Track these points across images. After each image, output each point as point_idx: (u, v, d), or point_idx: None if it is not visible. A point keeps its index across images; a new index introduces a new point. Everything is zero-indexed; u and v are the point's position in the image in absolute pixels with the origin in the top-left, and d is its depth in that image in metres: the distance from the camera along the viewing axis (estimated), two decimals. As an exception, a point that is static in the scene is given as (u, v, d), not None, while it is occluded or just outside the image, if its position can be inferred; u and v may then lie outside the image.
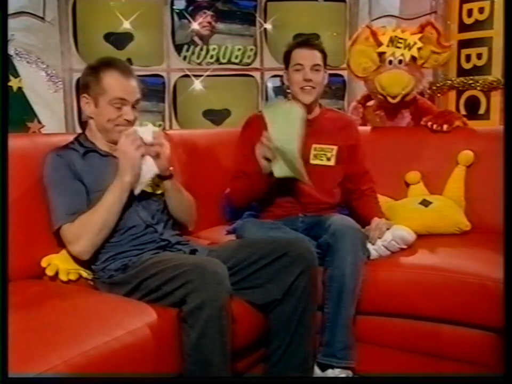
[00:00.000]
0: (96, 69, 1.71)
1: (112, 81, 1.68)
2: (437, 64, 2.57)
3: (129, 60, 3.30)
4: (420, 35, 2.46)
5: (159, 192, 1.78)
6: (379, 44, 2.51)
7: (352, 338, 1.80)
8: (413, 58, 2.48)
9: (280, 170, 1.90)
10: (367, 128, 2.65)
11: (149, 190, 1.75)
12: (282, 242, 1.74)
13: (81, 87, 1.76)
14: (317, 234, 1.92)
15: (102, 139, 1.76)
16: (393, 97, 2.47)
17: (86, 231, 1.61)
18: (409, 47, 2.46)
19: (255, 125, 2.14)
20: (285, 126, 1.84)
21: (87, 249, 1.63)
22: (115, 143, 1.70)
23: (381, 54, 2.50)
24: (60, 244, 1.70)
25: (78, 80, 3.34)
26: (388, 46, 2.49)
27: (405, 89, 2.45)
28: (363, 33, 2.54)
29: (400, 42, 2.47)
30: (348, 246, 1.80)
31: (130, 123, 1.70)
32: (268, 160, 1.89)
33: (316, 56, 2.08)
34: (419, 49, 2.46)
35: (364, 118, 2.72)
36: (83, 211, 1.63)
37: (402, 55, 2.47)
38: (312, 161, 2.09)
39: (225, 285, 1.43)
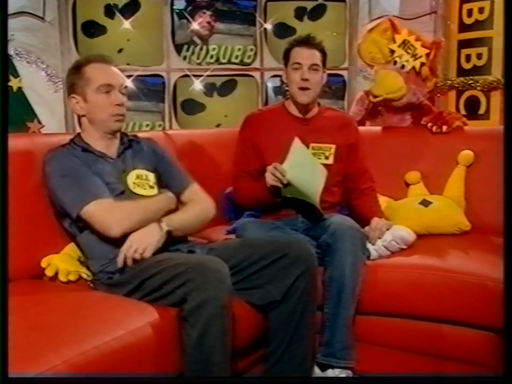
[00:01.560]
0: (78, 67, 1.75)
1: (94, 70, 1.72)
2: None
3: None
4: (428, 51, 2.42)
5: (152, 194, 1.77)
6: (394, 40, 2.46)
7: (352, 338, 1.80)
8: (414, 69, 2.43)
9: (290, 193, 1.93)
10: (367, 128, 2.65)
11: (142, 192, 1.75)
12: (282, 243, 1.74)
13: (68, 89, 1.78)
14: (317, 234, 1.92)
15: (97, 138, 1.76)
16: (374, 97, 2.44)
17: (130, 217, 1.61)
18: (415, 57, 2.42)
19: (255, 123, 2.15)
20: (310, 177, 1.92)
21: (126, 229, 1.59)
22: (113, 133, 1.76)
23: (392, 52, 2.46)
24: (60, 243, 1.71)
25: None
26: (399, 46, 2.45)
27: (389, 94, 2.41)
28: (383, 24, 2.51)
29: (410, 49, 2.43)
30: (347, 246, 1.80)
31: (122, 107, 1.73)
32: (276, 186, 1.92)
33: (315, 56, 2.06)
34: (422, 64, 2.41)
35: (368, 108, 2.68)
36: (104, 189, 1.64)
37: (407, 61, 2.43)
38: None
39: (227, 283, 1.44)
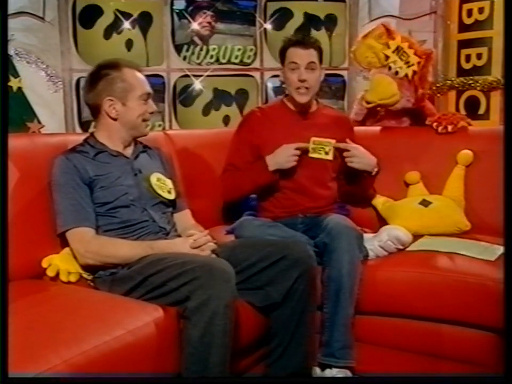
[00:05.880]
0: (117, 67, 1.74)
1: (136, 77, 1.75)
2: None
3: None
4: (419, 60, 2.41)
5: (171, 198, 1.83)
6: (388, 46, 2.45)
7: (351, 338, 1.80)
8: (407, 76, 2.42)
9: None
10: (367, 128, 2.65)
11: (164, 195, 1.80)
12: (280, 245, 1.74)
13: (103, 91, 1.73)
14: (315, 234, 1.93)
15: (118, 139, 1.78)
16: (367, 103, 2.46)
17: (102, 251, 1.63)
18: (408, 64, 2.41)
19: (253, 121, 2.18)
20: None
21: (90, 263, 1.65)
22: (143, 135, 1.82)
23: (387, 57, 2.45)
24: (60, 244, 1.71)
25: (78, 80, 3.36)
26: (393, 52, 2.44)
27: (382, 100, 2.43)
28: (378, 29, 2.50)
29: (404, 56, 2.42)
30: (343, 246, 1.80)
31: (152, 114, 1.80)
32: None
33: (311, 55, 2.07)
34: (414, 72, 2.41)
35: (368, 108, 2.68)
36: (91, 216, 1.67)
37: (400, 68, 2.42)
38: (311, 155, 2.09)
39: (232, 284, 1.44)
